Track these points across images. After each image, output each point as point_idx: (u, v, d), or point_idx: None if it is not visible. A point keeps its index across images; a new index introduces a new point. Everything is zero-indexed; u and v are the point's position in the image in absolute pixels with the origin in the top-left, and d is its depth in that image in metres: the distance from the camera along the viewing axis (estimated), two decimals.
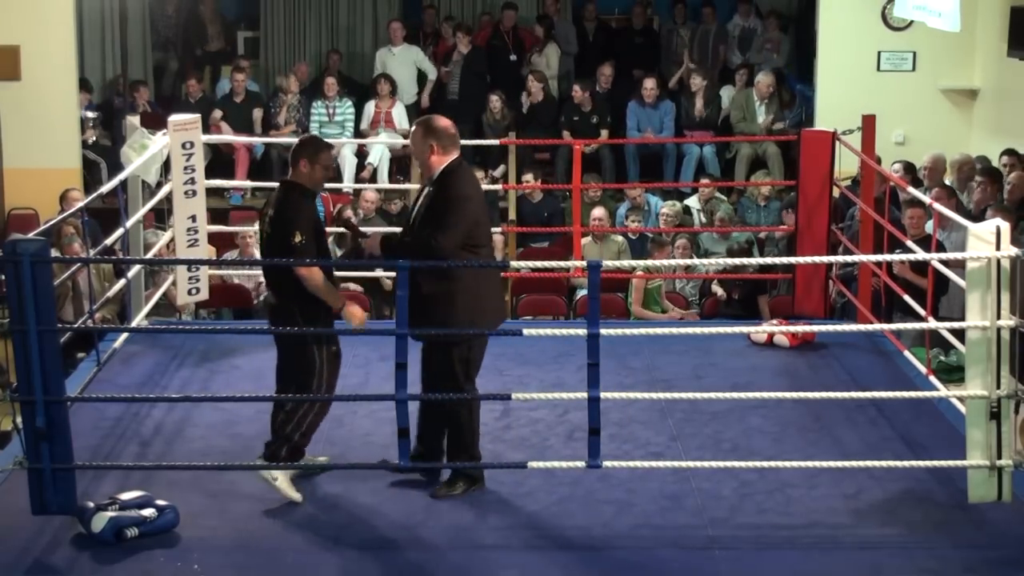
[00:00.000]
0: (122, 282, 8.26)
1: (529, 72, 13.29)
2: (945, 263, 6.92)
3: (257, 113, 13.19)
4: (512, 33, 13.97)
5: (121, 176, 7.88)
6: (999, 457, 5.55)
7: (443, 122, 6.10)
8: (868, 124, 8.33)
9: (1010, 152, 10.24)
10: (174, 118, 8.33)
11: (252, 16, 15.23)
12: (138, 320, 8.23)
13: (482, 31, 14.15)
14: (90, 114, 12.89)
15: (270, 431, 6.00)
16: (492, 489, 6.01)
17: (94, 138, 12.87)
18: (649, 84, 12.92)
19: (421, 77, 13.75)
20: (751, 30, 14.21)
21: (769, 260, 9.78)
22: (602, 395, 5.61)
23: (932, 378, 7.33)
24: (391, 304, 9.91)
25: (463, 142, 11.98)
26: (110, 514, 5.47)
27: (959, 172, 10.27)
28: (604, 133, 12.75)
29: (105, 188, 7.92)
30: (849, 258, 8.18)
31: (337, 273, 10.08)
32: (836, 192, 9.07)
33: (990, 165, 10.16)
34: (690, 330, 7.18)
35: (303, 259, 5.85)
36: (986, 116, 12.01)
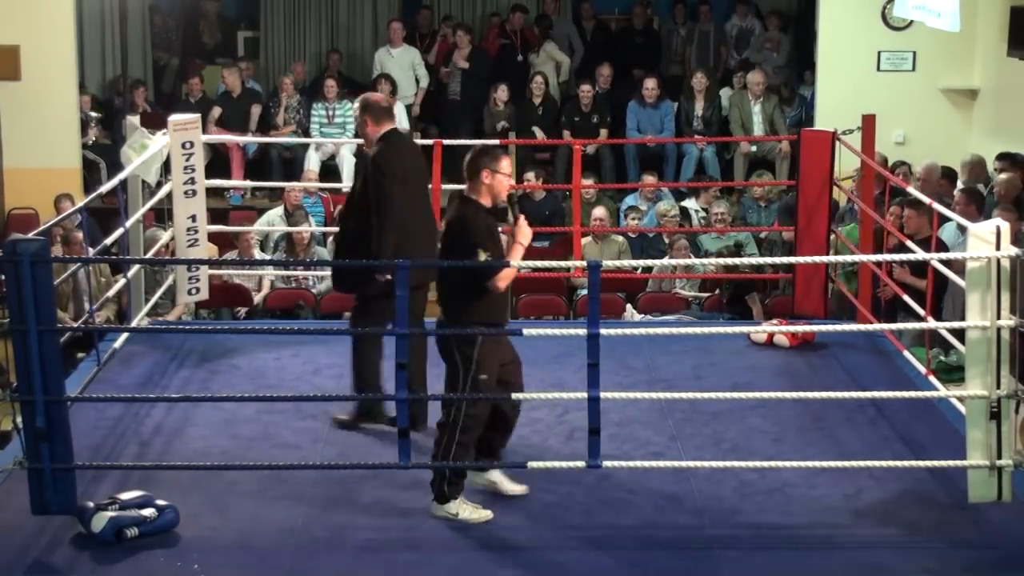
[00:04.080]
0: (122, 282, 8.27)
1: (535, 73, 13.31)
2: (947, 264, 6.91)
3: (255, 110, 13.18)
4: (519, 34, 13.98)
5: (121, 176, 7.88)
6: (999, 457, 5.56)
7: (376, 96, 6.87)
8: (868, 124, 8.33)
9: (1004, 156, 10.22)
10: (174, 118, 8.33)
11: (252, 16, 15.24)
12: (138, 320, 8.23)
13: (491, 31, 14.16)
14: (93, 114, 12.91)
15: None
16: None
17: (94, 138, 12.89)
18: (649, 84, 12.93)
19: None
20: (748, 30, 14.23)
21: (768, 260, 9.78)
22: (602, 395, 5.61)
23: (932, 378, 7.33)
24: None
25: (463, 142, 12.04)
26: (110, 514, 5.46)
27: (970, 174, 10.23)
28: (604, 133, 12.76)
29: (105, 188, 7.92)
30: (849, 258, 8.17)
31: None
32: (836, 192, 9.07)
33: (973, 187, 9.89)
34: (690, 330, 7.18)
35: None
36: (986, 116, 12.01)
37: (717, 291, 10.16)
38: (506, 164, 5.86)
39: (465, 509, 5.75)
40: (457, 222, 5.80)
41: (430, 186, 7.81)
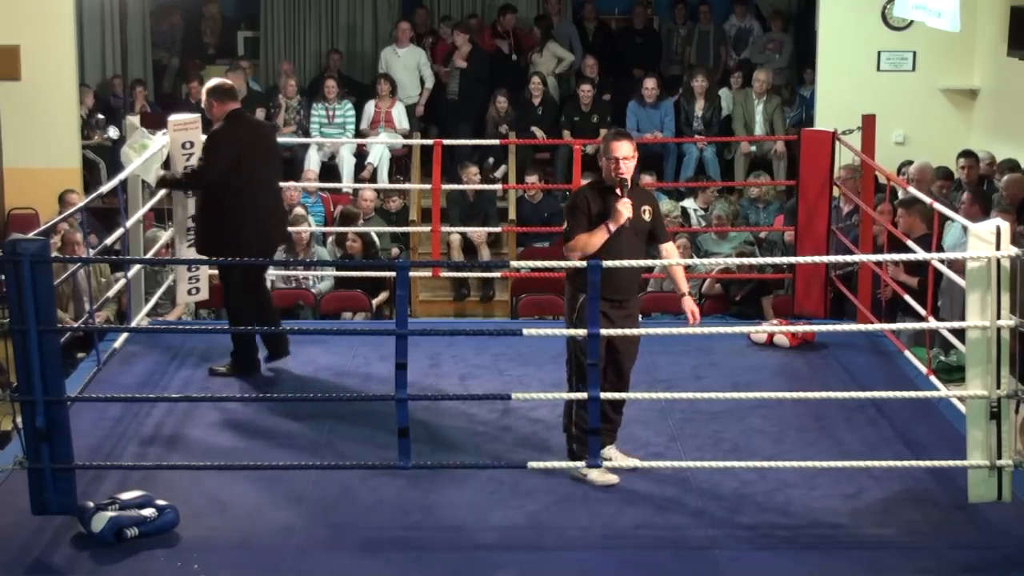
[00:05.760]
0: (122, 282, 8.26)
1: (533, 73, 13.31)
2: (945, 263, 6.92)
3: (259, 112, 13.18)
4: (512, 34, 13.98)
5: (121, 176, 7.88)
6: (999, 457, 5.55)
7: (221, 80, 7.58)
8: (868, 124, 8.33)
9: (966, 154, 10.24)
10: (174, 118, 8.32)
11: (252, 16, 15.25)
12: (138, 320, 8.23)
13: (484, 32, 14.16)
14: (102, 116, 12.92)
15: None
16: (492, 489, 6.01)
17: (97, 139, 12.89)
18: (649, 84, 12.93)
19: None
20: (747, 30, 14.24)
21: (768, 260, 9.77)
22: (602, 395, 5.61)
23: (932, 378, 7.33)
24: None
25: (462, 142, 12.00)
26: (110, 514, 5.46)
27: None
28: (603, 133, 12.73)
29: (105, 188, 7.92)
30: (849, 258, 8.17)
31: (340, 273, 10.22)
32: (836, 192, 9.08)
33: (978, 187, 9.96)
34: (690, 330, 7.18)
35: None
36: (986, 116, 12.01)
37: (744, 287, 10.14)
38: (618, 147, 6.15)
39: (593, 472, 6.00)
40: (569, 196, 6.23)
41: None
